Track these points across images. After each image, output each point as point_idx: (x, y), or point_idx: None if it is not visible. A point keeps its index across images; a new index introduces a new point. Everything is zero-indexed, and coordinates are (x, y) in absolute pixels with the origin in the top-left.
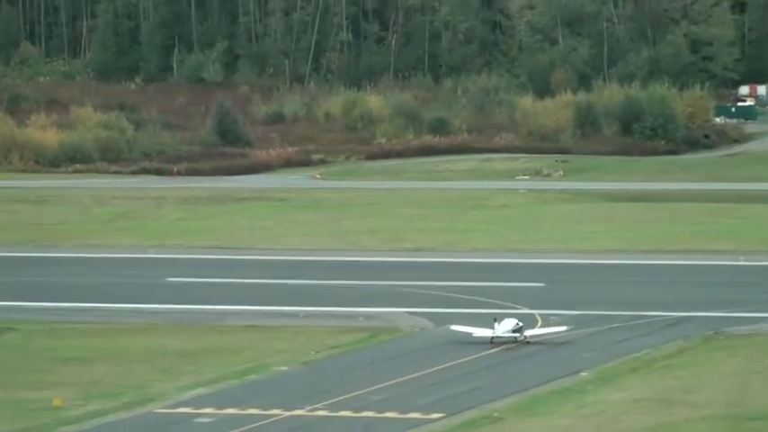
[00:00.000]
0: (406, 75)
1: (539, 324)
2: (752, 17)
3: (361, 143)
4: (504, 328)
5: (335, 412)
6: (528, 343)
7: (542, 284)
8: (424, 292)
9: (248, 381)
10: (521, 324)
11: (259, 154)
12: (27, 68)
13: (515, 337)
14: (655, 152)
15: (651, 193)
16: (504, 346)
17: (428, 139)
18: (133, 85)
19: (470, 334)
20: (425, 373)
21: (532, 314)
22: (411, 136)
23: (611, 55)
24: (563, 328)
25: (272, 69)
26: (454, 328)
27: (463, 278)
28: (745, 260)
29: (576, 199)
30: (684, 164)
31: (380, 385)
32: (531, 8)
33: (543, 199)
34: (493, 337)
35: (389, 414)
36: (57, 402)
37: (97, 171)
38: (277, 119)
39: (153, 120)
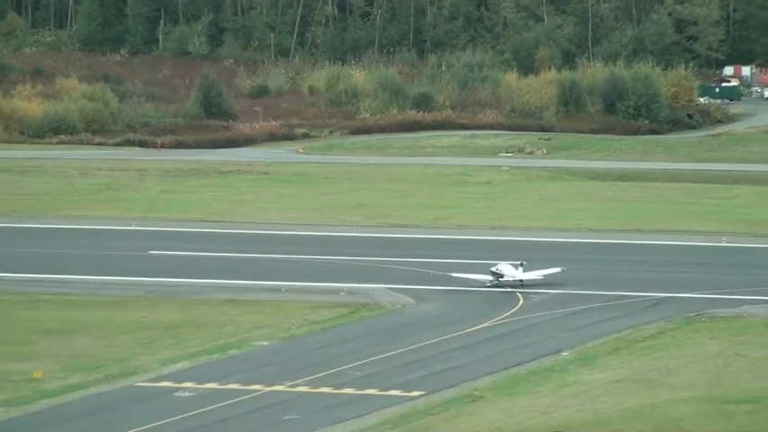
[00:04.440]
0: (391, 50)
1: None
2: None
3: (345, 118)
4: (512, 272)
5: (316, 388)
6: (522, 284)
7: (524, 262)
8: (406, 268)
9: (229, 355)
10: (519, 264)
11: (243, 127)
12: (13, 39)
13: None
14: (638, 131)
15: (634, 172)
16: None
17: (412, 115)
18: (118, 57)
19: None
20: (406, 350)
21: (514, 292)
22: (395, 111)
23: (596, 33)
24: (557, 270)
25: (257, 43)
26: (456, 275)
27: (446, 255)
28: (727, 241)
29: (559, 177)
30: (667, 144)
31: (361, 362)
32: None
33: (526, 176)
34: (496, 281)
35: (370, 391)
36: (37, 374)
37: (81, 142)
38: (262, 92)
39: (137, 92)
